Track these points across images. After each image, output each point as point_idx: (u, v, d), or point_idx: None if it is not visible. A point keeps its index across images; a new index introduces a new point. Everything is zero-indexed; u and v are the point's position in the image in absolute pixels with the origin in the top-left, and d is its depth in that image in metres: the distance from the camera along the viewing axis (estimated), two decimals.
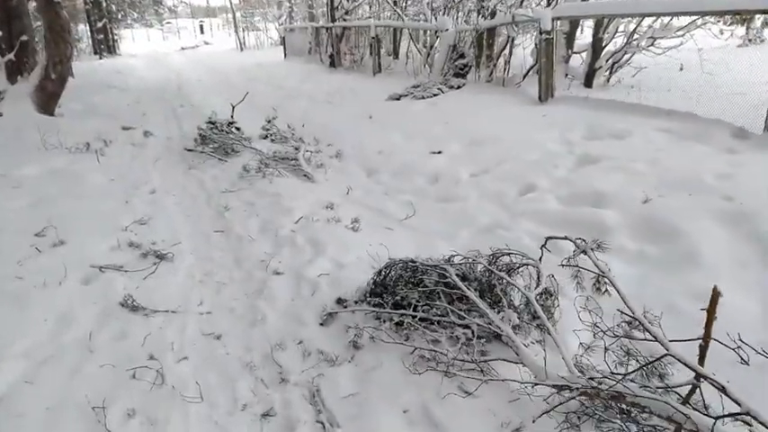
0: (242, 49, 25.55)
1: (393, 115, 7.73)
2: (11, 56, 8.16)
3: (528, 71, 8.15)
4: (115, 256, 3.67)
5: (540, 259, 2.75)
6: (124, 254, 3.74)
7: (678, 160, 4.43)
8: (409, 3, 13.06)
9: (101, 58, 24.28)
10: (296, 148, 6.90)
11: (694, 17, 6.64)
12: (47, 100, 8.05)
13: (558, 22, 6.67)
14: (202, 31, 44.73)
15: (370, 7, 14.05)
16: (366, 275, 3.33)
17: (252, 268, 3.62)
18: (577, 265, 2.54)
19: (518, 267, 2.76)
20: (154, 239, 4.03)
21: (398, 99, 8.42)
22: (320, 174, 5.92)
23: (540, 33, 6.71)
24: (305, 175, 5.82)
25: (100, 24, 26.60)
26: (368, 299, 2.91)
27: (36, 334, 2.71)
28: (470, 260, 2.83)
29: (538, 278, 2.65)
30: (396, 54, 14.07)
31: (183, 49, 30.68)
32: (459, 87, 8.15)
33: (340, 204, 4.84)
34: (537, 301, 2.40)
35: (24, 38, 8.32)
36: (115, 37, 28.70)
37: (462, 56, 8.46)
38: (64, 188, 5.00)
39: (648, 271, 3.21)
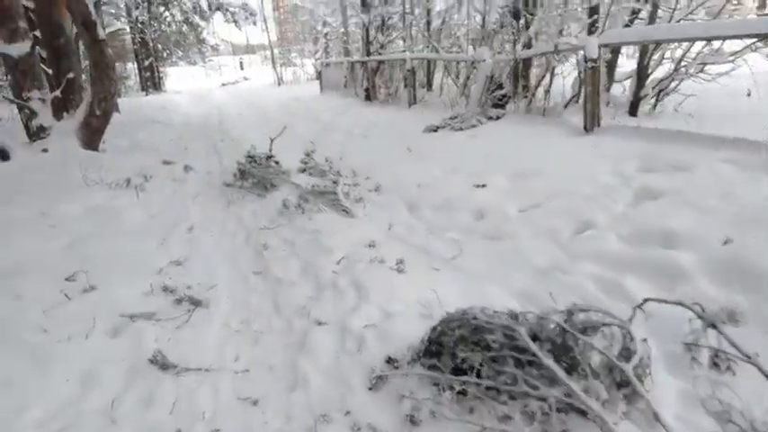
0: (279, 84, 25.84)
1: (431, 147, 7.39)
2: (57, 93, 8.17)
3: (569, 100, 7.73)
4: (148, 303, 3.37)
5: (631, 320, 2.30)
6: (157, 299, 3.43)
7: (755, 195, 3.92)
8: (443, 35, 12.85)
9: (147, 95, 24.87)
10: (334, 182, 6.60)
11: (752, 40, 6.14)
12: (91, 136, 8.00)
13: (604, 49, 6.27)
14: (242, 68, 45.77)
15: (404, 41, 13.88)
16: (416, 328, 2.94)
17: (292, 316, 3.27)
18: (716, 349, 2.08)
19: (600, 327, 2.32)
20: (189, 283, 3.72)
21: (436, 131, 8.09)
22: (359, 208, 5.58)
23: (586, 61, 6.31)
24: (344, 210, 5.49)
25: (147, 63, 27.36)
26: (422, 359, 2.51)
27: (54, 398, 2.40)
28: (541, 317, 2.40)
29: (624, 341, 2.21)
30: (429, 86, 13.83)
31: (223, 85, 31.29)
32: (497, 118, 7.78)
33: (382, 243, 4.47)
34: (633, 372, 1.96)
35: (71, 75, 8.34)
36: (161, 74, 29.47)
37: (500, 86, 8.12)
38: (101, 226, 4.78)
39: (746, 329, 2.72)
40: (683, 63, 7.45)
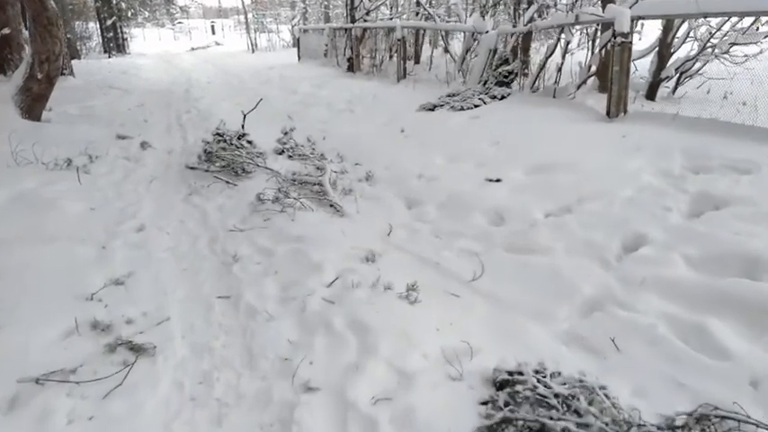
0: (253, 51, 24.31)
1: (429, 129, 6.47)
2: None
3: (584, 81, 6.88)
4: (67, 351, 2.42)
5: None
6: (82, 344, 2.48)
7: None
8: (433, 2, 11.79)
9: (110, 57, 23.12)
10: (318, 168, 5.65)
11: None
12: (31, 103, 6.83)
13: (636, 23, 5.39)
14: (214, 32, 43.52)
15: (391, 8, 12.77)
16: (449, 401, 2.09)
17: (270, 373, 2.37)
18: None
19: None
20: (131, 314, 2.78)
21: (432, 110, 7.17)
22: (350, 203, 4.66)
23: (615, 36, 5.43)
24: (331, 206, 4.56)
25: (109, 22, 25.43)
26: None
27: None
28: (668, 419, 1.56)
29: None
30: (417, 58, 12.80)
31: (193, 49, 29.47)
32: (503, 98, 6.90)
33: (382, 254, 3.58)
34: None
35: (6, 31, 7.08)
36: (125, 36, 27.52)
37: (506, 61, 7.21)
38: (23, 224, 3.76)
39: None
40: (710, 42, 6.65)
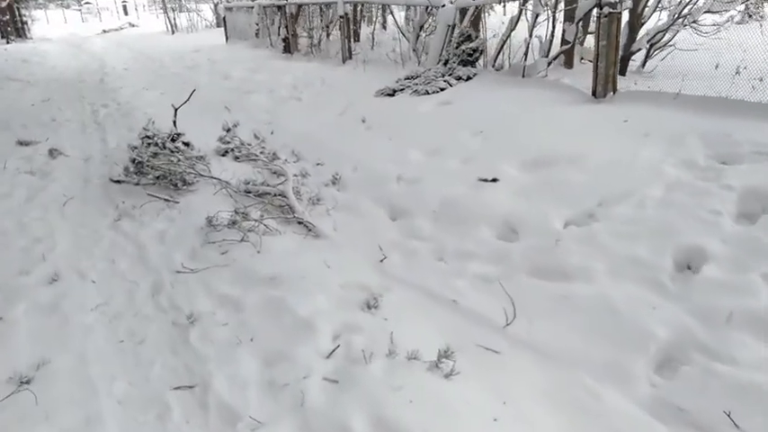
0: (173, 32, 22.23)
1: (395, 119, 5.62)
2: None
3: (555, 57, 6.24)
4: None
5: None
6: None
7: None
8: None
9: (8, 43, 20.46)
10: (275, 173, 4.71)
11: None
12: None
13: None
14: (126, 12, 39.97)
15: None
16: None
17: None
18: None
19: None
20: None
21: (392, 95, 6.31)
22: (322, 218, 3.80)
23: (600, 7, 4.78)
24: (300, 223, 3.67)
25: (4, 4, 22.46)
26: None
27: None
28: None
29: None
30: (356, 36, 11.81)
31: (104, 31, 26.71)
32: (468, 78, 6.16)
33: (383, 294, 2.76)
34: None
35: None
36: (24, 18, 24.48)
37: (469, 38, 6.45)
38: None
39: None
40: (683, 10, 6.16)
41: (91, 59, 13.74)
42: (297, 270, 2.92)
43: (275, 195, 4.10)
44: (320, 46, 11.05)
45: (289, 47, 11.05)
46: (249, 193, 4.18)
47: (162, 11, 25.83)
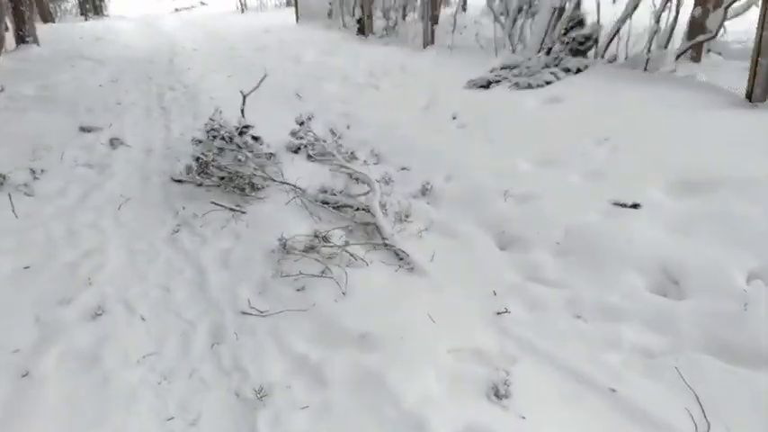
0: (243, 11, 22.04)
1: (493, 116, 4.83)
2: None
3: (687, 49, 5.23)
4: None
5: None
6: None
7: None
8: None
9: (86, 20, 20.89)
10: (355, 179, 4.04)
11: None
12: None
13: None
14: None
15: None
16: None
17: None
18: None
19: None
20: None
21: (487, 87, 5.52)
22: (414, 242, 3.12)
23: None
24: (386, 245, 3.00)
25: None
26: None
27: None
28: None
29: None
30: (435, 19, 10.96)
31: (177, 10, 26.98)
32: (578, 71, 5.27)
33: (509, 371, 2.04)
34: None
35: None
36: None
37: (580, 23, 5.55)
38: None
39: None
40: None
41: (162, 38, 13.58)
42: (393, 325, 2.25)
43: (358, 209, 3.45)
44: (396, 29, 10.30)
45: (363, 28, 10.36)
46: (326, 203, 3.55)
47: None
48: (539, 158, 3.88)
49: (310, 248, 2.80)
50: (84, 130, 5.16)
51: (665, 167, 3.35)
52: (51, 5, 20.98)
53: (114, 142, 4.79)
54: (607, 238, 2.89)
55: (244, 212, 3.41)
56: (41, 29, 12.77)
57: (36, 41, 10.18)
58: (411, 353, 2.09)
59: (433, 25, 8.33)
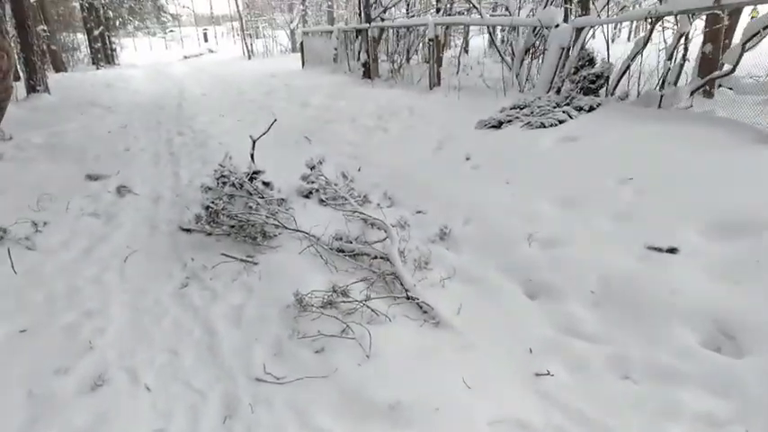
0: (250, 58, 22.41)
1: (508, 156, 4.67)
2: None
3: (702, 85, 5.10)
4: None
5: None
6: None
7: None
8: None
9: (98, 69, 21.22)
10: (369, 224, 3.83)
11: None
12: None
13: None
14: (206, 40, 41.46)
15: (408, 6, 10.97)
16: None
17: None
18: None
19: None
20: None
21: (498, 127, 5.38)
22: (436, 292, 2.89)
23: None
24: (408, 297, 2.76)
25: (97, 33, 23.48)
26: None
27: None
28: None
29: None
30: (439, 61, 10.99)
31: (185, 57, 27.53)
32: (591, 109, 5.14)
33: None
34: None
35: None
36: (114, 46, 25.55)
37: (590, 62, 5.45)
38: None
39: None
40: None
41: (171, 84, 13.69)
42: (425, 392, 2.00)
43: (375, 258, 3.23)
44: (401, 71, 10.31)
45: (369, 72, 10.38)
46: (342, 252, 3.34)
47: (239, 37, 26.28)
48: (560, 200, 3.68)
49: (328, 304, 2.57)
50: (90, 177, 5.01)
51: (698, 208, 3.14)
52: (64, 55, 21.39)
53: (122, 190, 4.63)
54: (647, 287, 2.65)
55: (256, 263, 3.19)
56: (53, 78, 12.89)
57: (47, 90, 10.20)
58: (448, 426, 1.83)
59: (438, 67, 8.29)
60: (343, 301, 2.61)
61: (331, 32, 12.25)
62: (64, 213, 4.01)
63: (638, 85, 5.57)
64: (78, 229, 3.79)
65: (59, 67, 19.35)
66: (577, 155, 4.34)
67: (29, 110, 8.81)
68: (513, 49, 7.11)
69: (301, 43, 14.08)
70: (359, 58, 10.72)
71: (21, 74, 10.40)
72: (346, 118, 7.37)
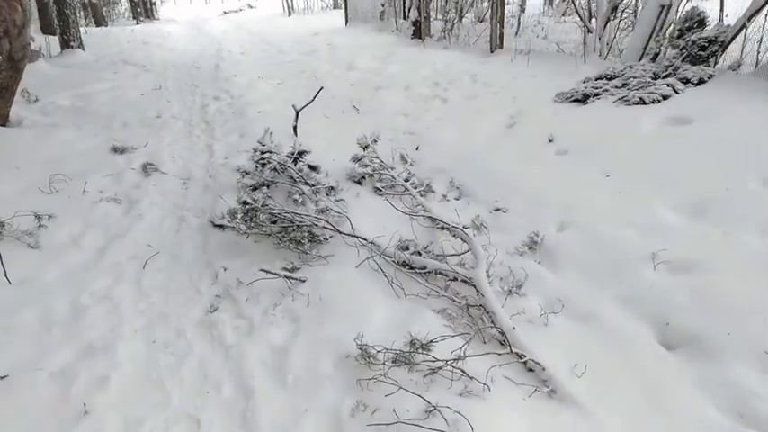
0: (290, 14, 21.34)
1: (602, 140, 3.78)
2: None
3: None
4: None
5: None
6: None
7: None
8: None
9: (136, 24, 20.60)
10: (442, 228, 3.05)
11: None
12: None
13: None
14: None
15: None
16: None
17: None
18: None
19: None
20: None
21: (583, 102, 4.47)
22: (538, 333, 2.15)
23: None
24: (512, 352, 2.02)
25: None
26: None
27: None
28: None
29: None
30: (501, 21, 9.85)
31: (225, 13, 26.56)
32: (701, 82, 4.16)
33: None
34: None
35: None
36: (153, 0, 24.83)
37: (701, 23, 4.42)
38: None
39: None
40: None
41: (209, 42, 12.91)
42: None
43: (453, 279, 2.48)
44: (453, 31, 9.26)
45: (419, 31, 9.36)
46: (411, 268, 2.60)
47: None
48: (686, 204, 2.83)
49: (403, 360, 1.85)
50: (115, 151, 4.36)
51: None
52: (105, 9, 20.83)
53: (148, 168, 3.96)
54: None
55: (303, 280, 2.49)
56: (91, 32, 12.29)
57: (81, 46, 9.58)
58: None
59: (501, 27, 7.26)
60: (420, 351, 1.88)
61: None
62: (79, 197, 3.38)
63: (758, 52, 4.52)
64: (93, 219, 3.16)
65: (99, 21, 18.83)
66: (696, 142, 3.42)
67: (61, 67, 8.21)
68: (590, 6, 6.05)
69: None
70: (408, 16, 9.68)
71: (56, 28, 9.83)
72: (398, 84, 6.50)
